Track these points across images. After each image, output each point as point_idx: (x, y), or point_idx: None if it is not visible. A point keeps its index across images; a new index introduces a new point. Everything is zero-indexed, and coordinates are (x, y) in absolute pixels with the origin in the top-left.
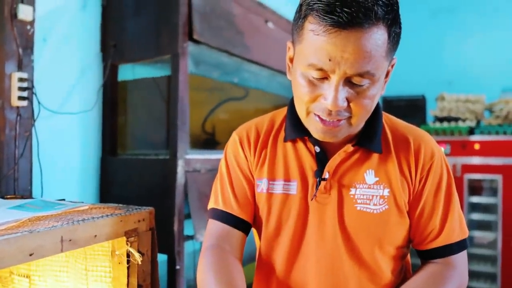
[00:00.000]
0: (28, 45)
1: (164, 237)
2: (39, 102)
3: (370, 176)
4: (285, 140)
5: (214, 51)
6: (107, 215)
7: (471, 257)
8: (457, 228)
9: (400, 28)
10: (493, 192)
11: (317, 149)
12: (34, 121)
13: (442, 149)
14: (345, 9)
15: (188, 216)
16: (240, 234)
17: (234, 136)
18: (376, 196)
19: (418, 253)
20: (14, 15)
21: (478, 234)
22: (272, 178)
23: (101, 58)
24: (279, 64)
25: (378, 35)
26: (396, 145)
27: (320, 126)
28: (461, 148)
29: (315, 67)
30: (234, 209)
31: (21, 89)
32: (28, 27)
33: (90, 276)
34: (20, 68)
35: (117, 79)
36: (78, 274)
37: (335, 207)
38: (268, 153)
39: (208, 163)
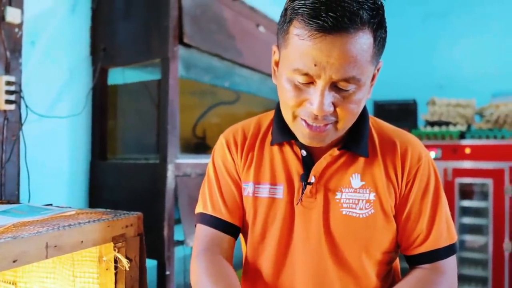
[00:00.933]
0: (16, 48)
1: (154, 242)
2: (26, 106)
3: (356, 180)
4: (272, 144)
5: (204, 55)
6: (94, 221)
7: (462, 261)
8: (444, 232)
9: (385, 32)
10: (484, 196)
11: (304, 152)
12: (22, 125)
13: (433, 153)
14: (330, 14)
15: (178, 221)
16: (229, 239)
17: (221, 139)
18: (362, 200)
19: (405, 258)
20: (1, 17)
21: (469, 238)
22: (258, 182)
23: (91, 62)
24: (270, 68)
25: (363, 40)
26: (383, 149)
27: (306, 131)
28: (452, 152)
29: (300, 72)
30: (223, 214)
31: (8, 92)
32: (16, 30)
33: (78, 283)
34: (7, 71)
35: (107, 83)
36: (65, 280)
37: (320, 212)
38: (255, 156)
39: (199, 168)
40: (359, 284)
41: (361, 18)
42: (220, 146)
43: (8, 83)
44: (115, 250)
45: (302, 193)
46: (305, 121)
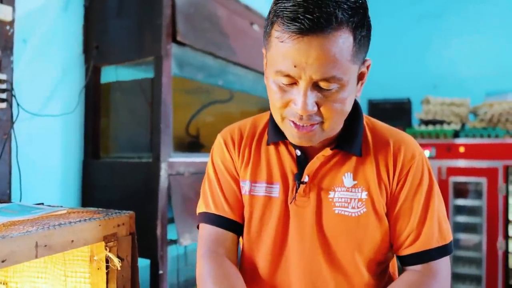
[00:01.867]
0: (7, 46)
1: (147, 242)
2: (18, 104)
3: (348, 179)
4: (268, 143)
5: (198, 53)
6: (85, 220)
7: (457, 260)
8: (436, 233)
9: (368, 30)
10: (478, 194)
11: (298, 152)
12: (13, 123)
13: (428, 152)
14: (307, 15)
15: (171, 220)
16: (233, 236)
17: (219, 139)
18: (354, 199)
19: (398, 258)
20: None
21: (463, 236)
22: (254, 180)
23: (83, 60)
24: (264, 67)
25: (342, 39)
26: (376, 148)
27: (294, 131)
28: (446, 151)
29: (282, 73)
30: (226, 212)
31: None
32: (8, 27)
33: (69, 282)
34: None
35: (100, 81)
36: (56, 279)
37: (313, 211)
38: (252, 155)
39: (192, 166)
40: (352, 283)
41: (338, 18)
42: (218, 145)
43: (0, 81)
44: (106, 249)
45: (296, 192)
46: (292, 121)
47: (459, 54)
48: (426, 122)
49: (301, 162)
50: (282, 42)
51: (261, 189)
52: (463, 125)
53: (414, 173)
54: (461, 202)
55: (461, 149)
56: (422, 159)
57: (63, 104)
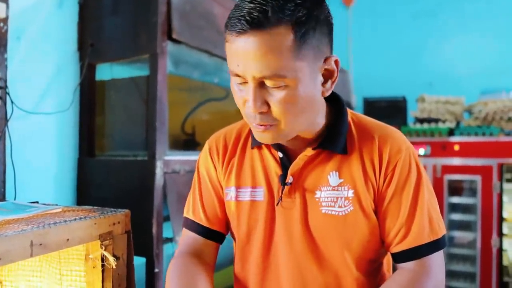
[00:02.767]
0: (1, 43)
1: (143, 240)
2: (12, 102)
3: (334, 178)
4: (252, 147)
5: (194, 51)
6: (80, 218)
7: (451, 257)
8: (426, 228)
9: (321, 27)
10: (472, 192)
11: (280, 154)
12: (7, 121)
13: (423, 150)
14: (246, 16)
15: (167, 218)
16: (210, 243)
17: (206, 147)
18: (341, 198)
19: (391, 255)
20: None
21: (457, 234)
22: (239, 186)
23: (78, 57)
24: None
25: (279, 36)
26: (362, 144)
27: (255, 130)
28: (441, 149)
29: (232, 73)
30: (202, 220)
31: None
32: (1, 24)
33: (64, 281)
34: None
35: (95, 79)
36: (51, 278)
37: (300, 211)
38: (236, 161)
39: (188, 164)
40: (343, 282)
41: (274, 16)
42: (204, 153)
43: None
44: (102, 248)
45: (281, 194)
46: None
47: (454, 52)
48: (421, 120)
49: (285, 164)
50: (227, 42)
51: (246, 194)
52: (458, 123)
53: (401, 167)
54: (455, 200)
55: (456, 147)
56: (409, 153)
57: (58, 101)
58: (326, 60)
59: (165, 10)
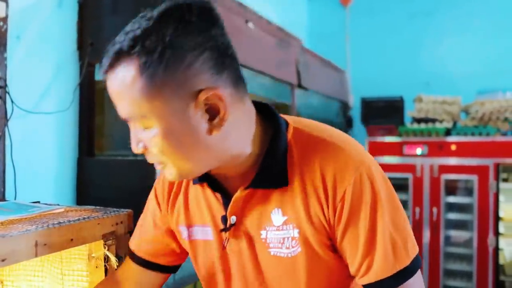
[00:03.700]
0: (0, 42)
1: None
2: (12, 101)
3: (277, 216)
4: (193, 183)
5: None
6: (84, 218)
7: (448, 256)
8: (390, 258)
9: (173, 56)
10: (469, 192)
11: (219, 193)
12: (7, 120)
13: (420, 150)
14: (105, 55)
15: None
16: (136, 269)
17: (154, 185)
18: (288, 238)
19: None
20: None
21: (454, 233)
22: (190, 225)
23: (78, 57)
24: (259, 65)
25: (122, 73)
26: (303, 171)
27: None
28: (438, 149)
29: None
30: (136, 248)
31: None
32: (1, 23)
33: (66, 281)
34: None
35: (94, 78)
36: (53, 278)
37: (249, 253)
38: (182, 199)
39: None
40: None
41: (119, 52)
42: (152, 191)
43: None
44: (105, 247)
45: (227, 235)
46: None
47: (451, 52)
48: (419, 120)
49: (226, 203)
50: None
51: (198, 233)
52: (454, 123)
53: (351, 195)
54: (452, 199)
55: (453, 147)
56: (359, 174)
57: (58, 101)
58: (202, 93)
59: None
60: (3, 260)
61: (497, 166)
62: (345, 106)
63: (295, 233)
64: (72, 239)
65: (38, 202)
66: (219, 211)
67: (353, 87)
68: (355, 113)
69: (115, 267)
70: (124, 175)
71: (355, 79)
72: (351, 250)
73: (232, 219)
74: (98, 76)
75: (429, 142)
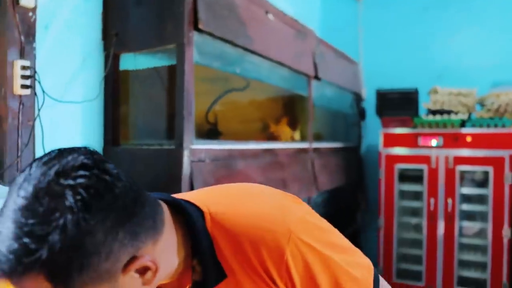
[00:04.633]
0: (30, 32)
1: None
2: (43, 91)
3: None
4: None
5: (217, 41)
6: None
7: (462, 247)
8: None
9: (88, 252)
10: (484, 183)
11: None
12: (39, 110)
13: (435, 141)
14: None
15: None
16: None
17: None
18: None
19: None
20: (15, 1)
21: (469, 224)
22: None
23: (103, 47)
24: (278, 56)
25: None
26: (241, 262)
27: None
28: (453, 140)
29: None
30: None
31: (23, 77)
32: (30, 14)
33: None
34: (22, 56)
35: (119, 68)
36: None
37: None
38: None
39: (212, 153)
40: None
41: (21, 264)
42: None
43: (24, 67)
44: None
45: None
46: None
47: (465, 44)
48: (434, 112)
49: None
50: None
51: None
52: (470, 115)
53: (295, 266)
54: (467, 190)
55: (468, 139)
56: (292, 244)
57: (84, 91)
58: (128, 268)
59: (191, 0)
60: None
61: None
62: (358, 98)
63: None
64: None
65: None
66: None
67: (366, 79)
68: (368, 105)
69: None
70: (148, 164)
71: (368, 71)
72: None
73: None
74: (123, 66)
75: (444, 133)
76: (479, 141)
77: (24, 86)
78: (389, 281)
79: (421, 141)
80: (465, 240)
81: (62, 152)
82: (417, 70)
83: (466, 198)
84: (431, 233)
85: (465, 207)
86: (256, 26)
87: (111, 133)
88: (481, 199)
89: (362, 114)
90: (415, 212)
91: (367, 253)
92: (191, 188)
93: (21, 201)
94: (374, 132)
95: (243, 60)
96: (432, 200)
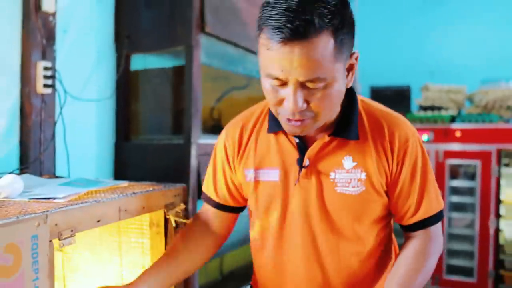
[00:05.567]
0: (50, 36)
1: None
2: (65, 91)
3: (348, 162)
4: (268, 132)
5: (222, 42)
6: (152, 190)
7: (451, 237)
8: (434, 202)
9: (350, 27)
10: (472, 176)
11: (297, 140)
12: (61, 108)
13: (426, 136)
14: (288, 25)
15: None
16: (222, 214)
17: (223, 133)
18: (354, 179)
19: (400, 226)
20: (38, 7)
21: (457, 215)
22: (258, 167)
23: (115, 49)
24: None
25: (322, 43)
26: (372, 132)
27: (288, 124)
28: (443, 135)
29: (272, 76)
30: (213, 195)
31: (45, 77)
32: (51, 18)
33: (123, 250)
34: (44, 57)
35: (130, 69)
36: (111, 247)
37: (315, 191)
38: (253, 145)
39: None
40: (353, 248)
41: (316, 25)
42: (221, 139)
43: (46, 68)
44: (167, 215)
45: (299, 175)
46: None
47: (456, 42)
48: (425, 108)
49: (301, 148)
50: (268, 49)
51: (264, 175)
52: (459, 111)
53: (410, 153)
54: (456, 183)
55: (457, 134)
56: (415, 140)
57: (97, 90)
58: (352, 56)
59: (199, 6)
60: (98, 221)
61: (499, 152)
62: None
63: (363, 176)
64: (143, 207)
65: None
66: (292, 155)
67: (360, 76)
68: None
69: (180, 227)
70: (158, 157)
71: (362, 68)
72: (406, 195)
73: (306, 161)
74: (134, 67)
75: (435, 128)
76: (468, 136)
77: (46, 86)
78: None
79: None
80: (454, 231)
81: None
82: (410, 67)
83: (455, 191)
84: None
85: (454, 199)
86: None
87: (123, 129)
88: (469, 192)
89: None
90: None
91: None
92: (198, 179)
93: None
94: None
95: (244, 60)
96: None
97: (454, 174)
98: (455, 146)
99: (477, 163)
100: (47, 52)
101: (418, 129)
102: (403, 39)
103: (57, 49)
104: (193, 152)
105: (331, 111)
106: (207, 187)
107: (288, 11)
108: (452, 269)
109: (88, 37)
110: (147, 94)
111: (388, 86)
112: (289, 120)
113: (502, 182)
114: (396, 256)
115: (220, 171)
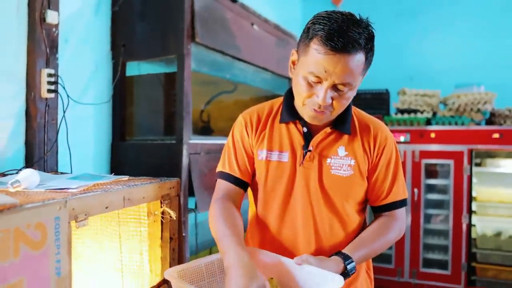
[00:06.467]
0: (53, 45)
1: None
2: (68, 95)
3: (341, 150)
4: (280, 122)
5: (210, 51)
6: (149, 183)
7: (427, 232)
8: (401, 190)
9: (373, 52)
10: (446, 175)
11: (305, 129)
12: (64, 111)
13: (403, 137)
14: (340, 39)
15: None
16: (239, 190)
17: (240, 119)
18: (345, 164)
19: (372, 208)
20: (43, 19)
21: (433, 211)
22: (270, 149)
23: (111, 56)
24: (262, 62)
25: (359, 58)
26: (361, 130)
27: (312, 113)
28: (419, 136)
29: (313, 74)
30: (236, 172)
31: (49, 83)
32: (54, 29)
33: (123, 237)
34: (48, 65)
35: (125, 74)
36: (111, 235)
37: (316, 171)
38: (267, 131)
39: (206, 147)
40: (343, 223)
41: (359, 44)
42: (239, 124)
43: (49, 75)
44: (162, 206)
45: (303, 158)
46: (313, 108)
47: (432, 50)
48: (402, 111)
49: (307, 137)
50: (319, 54)
51: (275, 156)
52: (434, 113)
53: (387, 149)
54: (431, 181)
55: (432, 135)
56: (392, 141)
57: (95, 94)
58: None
59: (189, 18)
60: (106, 207)
61: (470, 151)
62: None
63: (352, 162)
64: (144, 197)
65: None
66: (300, 142)
67: None
68: None
69: (173, 219)
70: (151, 156)
71: None
72: (380, 181)
73: (310, 147)
74: (129, 73)
75: (411, 130)
76: (442, 137)
77: (49, 91)
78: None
79: None
80: (429, 226)
81: None
82: (390, 72)
83: (431, 188)
84: None
85: (430, 196)
86: (243, 37)
87: (119, 130)
88: (444, 189)
89: None
90: None
91: None
92: (189, 176)
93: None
94: None
95: (232, 67)
96: None
97: (429, 173)
98: (430, 147)
99: (451, 162)
100: (51, 60)
101: (396, 131)
102: (383, 46)
103: (60, 57)
104: (185, 151)
105: (343, 109)
106: (230, 165)
107: (340, 27)
108: (428, 263)
109: (87, 46)
110: (141, 98)
111: (367, 90)
112: (315, 110)
113: (474, 180)
114: None
115: (240, 148)
